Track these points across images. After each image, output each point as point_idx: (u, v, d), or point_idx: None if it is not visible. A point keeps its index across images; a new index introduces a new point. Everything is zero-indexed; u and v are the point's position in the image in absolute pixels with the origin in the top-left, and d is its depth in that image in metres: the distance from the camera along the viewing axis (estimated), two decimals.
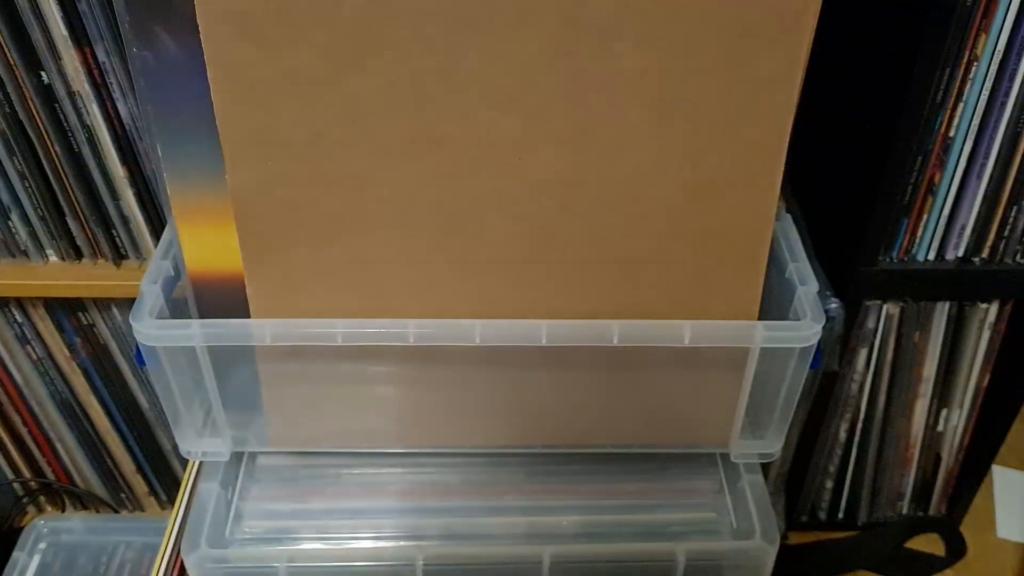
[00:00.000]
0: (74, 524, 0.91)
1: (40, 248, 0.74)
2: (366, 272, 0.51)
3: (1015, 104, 0.58)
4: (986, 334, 0.72)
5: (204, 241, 0.51)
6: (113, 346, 0.81)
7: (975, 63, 0.56)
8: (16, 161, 0.68)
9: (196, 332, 0.51)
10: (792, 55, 0.45)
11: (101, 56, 0.63)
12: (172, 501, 0.95)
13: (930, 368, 0.74)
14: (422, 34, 0.43)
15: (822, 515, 0.85)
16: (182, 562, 0.56)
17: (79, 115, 0.65)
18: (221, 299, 0.53)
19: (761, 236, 0.51)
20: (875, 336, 0.71)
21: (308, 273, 0.51)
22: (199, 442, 0.58)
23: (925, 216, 0.63)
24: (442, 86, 0.45)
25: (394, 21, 0.43)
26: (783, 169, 0.49)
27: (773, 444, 0.59)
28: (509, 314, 0.52)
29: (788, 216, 0.58)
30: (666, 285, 0.52)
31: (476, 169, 0.48)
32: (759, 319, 0.54)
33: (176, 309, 0.54)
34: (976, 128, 0.59)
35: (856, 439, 0.79)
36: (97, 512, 0.95)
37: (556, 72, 0.45)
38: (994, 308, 0.70)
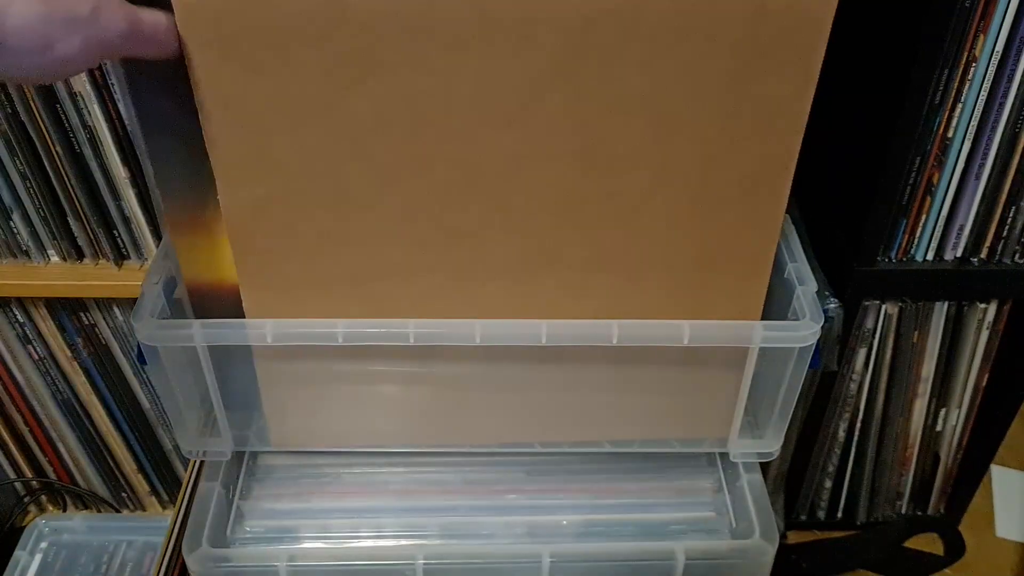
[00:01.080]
0: (75, 523, 0.91)
1: (42, 248, 0.74)
2: (363, 286, 0.51)
3: (1013, 105, 0.58)
4: (984, 334, 0.72)
5: (199, 252, 0.51)
6: (114, 346, 0.82)
7: (973, 64, 0.56)
8: (18, 161, 0.68)
9: (197, 332, 0.51)
10: (804, 76, 0.44)
11: None
12: (173, 500, 0.95)
13: (929, 368, 0.74)
14: (419, 56, 0.43)
15: (821, 514, 0.85)
16: (183, 561, 0.56)
17: (81, 116, 0.66)
18: (217, 307, 0.53)
19: (765, 251, 0.51)
20: (874, 336, 0.71)
21: (304, 287, 0.51)
22: (200, 441, 0.58)
23: (924, 216, 0.63)
24: (440, 107, 0.44)
25: (390, 43, 0.42)
26: (790, 185, 0.48)
27: (772, 443, 0.59)
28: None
29: (787, 217, 0.58)
30: (668, 297, 0.52)
31: (475, 186, 0.47)
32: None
33: (177, 309, 0.54)
34: (975, 129, 0.59)
35: (855, 438, 0.79)
36: (98, 511, 0.95)
37: (557, 93, 0.44)
38: (992, 308, 0.71)
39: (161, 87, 0.45)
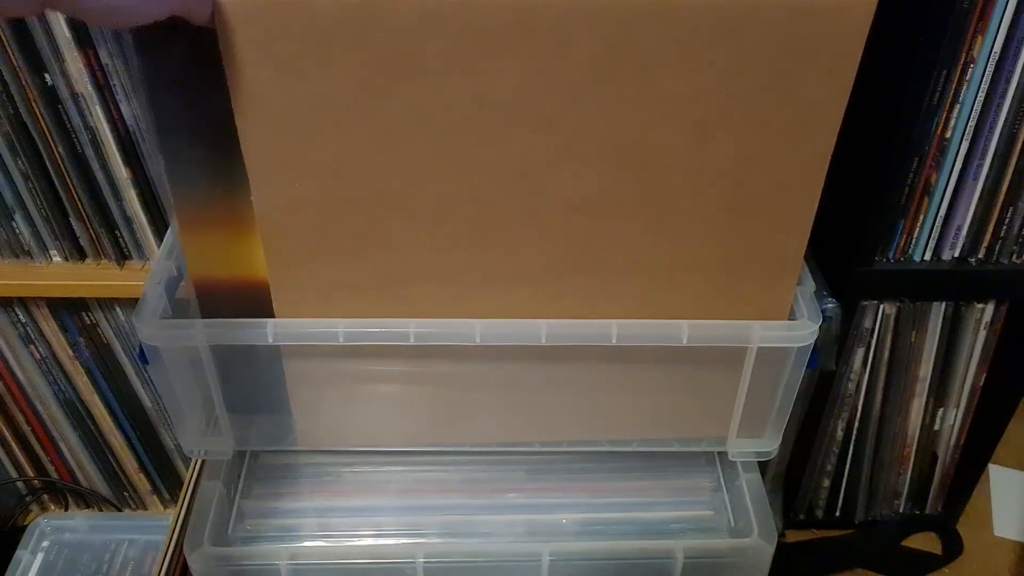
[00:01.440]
0: (77, 522, 0.92)
1: (44, 248, 0.74)
2: (395, 289, 0.51)
3: (1011, 105, 0.58)
4: (982, 334, 0.72)
5: (207, 249, 0.51)
6: (116, 346, 0.82)
7: (972, 64, 0.56)
8: (20, 162, 0.68)
9: (199, 332, 0.52)
10: (842, 79, 0.44)
11: (104, 58, 0.63)
12: (175, 499, 0.95)
13: (926, 367, 0.74)
14: (457, 59, 0.43)
15: (819, 513, 0.85)
16: (185, 560, 0.56)
17: (82, 116, 0.66)
18: (224, 306, 0.53)
19: (795, 254, 0.51)
20: (872, 336, 0.71)
21: (336, 290, 0.51)
22: (202, 440, 0.58)
23: (921, 217, 0.63)
24: (477, 110, 0.44)
25: (428, 47, 0.42)
26: (821, 188, 0.49)
27: (771, 443, 0.59)
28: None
29: None
30: (698, 300, 0.52)
31: (509, 188, 0.47)
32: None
33: (179, 309, 0.55)
34: (972, 129, 0.59)
35: (853, 438, 0.79)
36: (100, 510, 0.95)
37: (595, 96, 0.44)
38: (990, 308, 0.71)
39: (178, 79, 0.45)
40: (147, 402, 0.86)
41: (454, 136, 0.45)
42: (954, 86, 0.57)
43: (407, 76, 0.43)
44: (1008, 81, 0.57)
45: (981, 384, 0.76)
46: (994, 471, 0.91)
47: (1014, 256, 0.65)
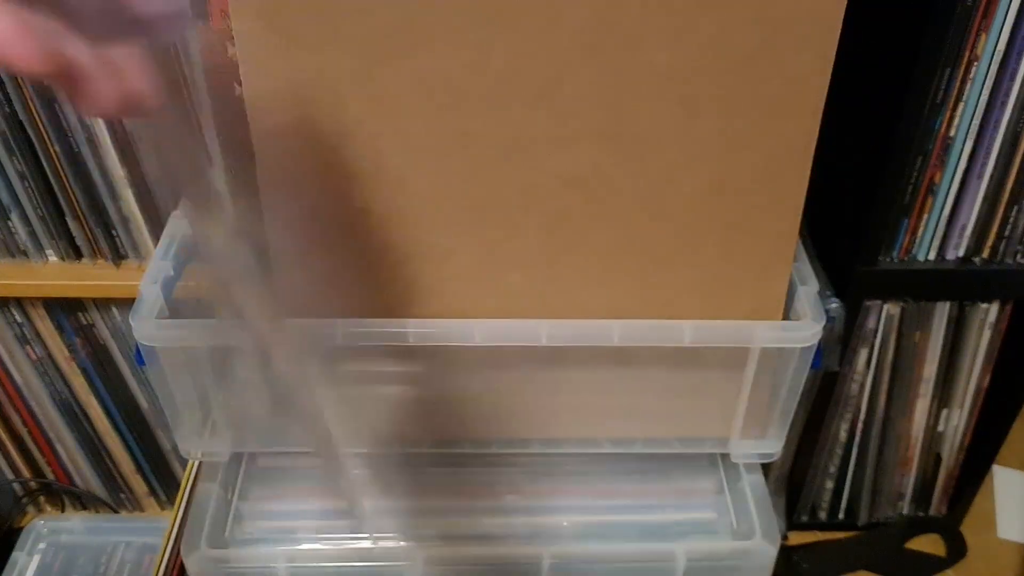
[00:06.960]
0: (74, 524, 0.91)
1: (40, 248, 0.74)
2: (389, 267, 0.51)
3: (1015, 104, 0.58)
4: (986, 334, 0.72)
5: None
6: (113, 346, 0.81)
7: (975, 63, 0.56)
8: (16, 161, 0.68)
9: (196, 332, 0.51)
10: (823, 51, 0.45)
11: None
12: (172, 501, 0.95)
13: (931, 368, 0.74)
14: (454, 32, 0.43)
15: (822, 515, 0.85)
16: (182, 562, 0.56)
17: (79, 115, 0.65)
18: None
19: (788, 234, 0.51)
20: (875, 336, 0.71)
21: (336, 270, 0.51)
22: (199, 442, 0.58)
23: (925, 216, 0.63)
24: (473, 83, 0.45)
25: (427, 19, 0.43)
26: (811, 166, 0.49)
27: (773, 444, 0.59)
28: (532, 310, 0.52)
29: None
30: (692, 283, 0.52)
31: (504, 162, 0.48)
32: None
33: (176, 309, 0.54)
34: (976, 128, 0.59)
35: (856, 439, 0.78)
36: (97, 512, 0.95)
37: (586, 69, 0.45)
38: (994, 308, 0.70)
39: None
40: (144, 403, 0.86)
41: (452, 111, 0.46)
42: (958, 84, 0.57)
43: (405, 50, 0.44)
44: (1012, 79, 0.57)
45: (985, 385, 0.76)
46: (998, 472, 0.91)
47: (1018, 256, 0.65)
